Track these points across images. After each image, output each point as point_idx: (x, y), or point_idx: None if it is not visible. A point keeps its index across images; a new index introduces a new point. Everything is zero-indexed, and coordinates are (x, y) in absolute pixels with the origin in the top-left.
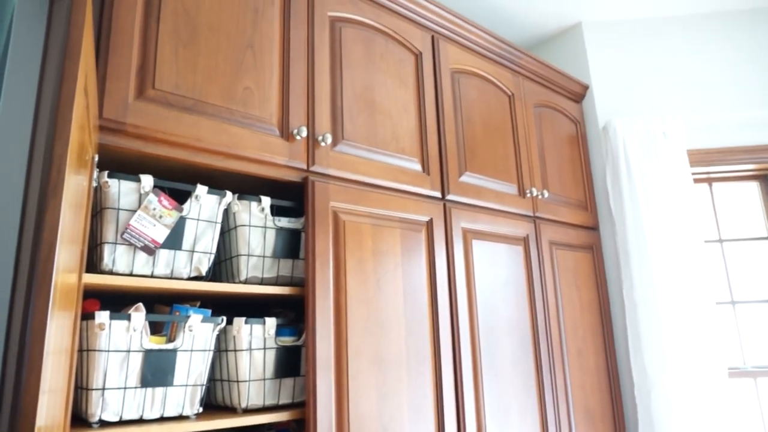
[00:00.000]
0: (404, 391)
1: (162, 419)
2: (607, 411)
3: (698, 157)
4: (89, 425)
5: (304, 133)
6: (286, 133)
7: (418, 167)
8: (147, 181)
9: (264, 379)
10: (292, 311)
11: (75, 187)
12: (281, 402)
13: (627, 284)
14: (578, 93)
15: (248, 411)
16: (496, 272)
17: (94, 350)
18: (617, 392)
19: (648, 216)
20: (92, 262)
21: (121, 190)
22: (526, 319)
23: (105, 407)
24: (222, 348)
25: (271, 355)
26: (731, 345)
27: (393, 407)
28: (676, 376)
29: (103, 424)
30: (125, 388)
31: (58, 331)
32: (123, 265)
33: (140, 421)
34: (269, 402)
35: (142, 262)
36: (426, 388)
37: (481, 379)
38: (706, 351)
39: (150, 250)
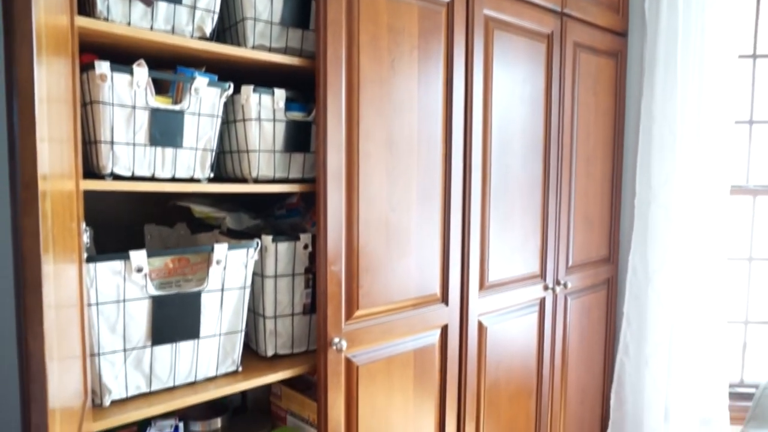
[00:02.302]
0: (414, 176)
1: (174, 180)
2: (606, 219)
3: None
4: (102, 178)
5: None
6: None
7: None
8: None
9: (274, 151)
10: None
11: None
12: (291, 176)
13: (647, 96)
14: None
15: (259, 181)
16: (515, 69)
17: (98, 102)
18: (618, 202)
19: (683, 25)
20: (84, 10)
21: None
22: (539, 121)
23: (116, 161)
24: (230, 119)
25: (280, 128)
26: (737, 163)
27: (402, 191)
28: (678, 190)
29: (116, 177)
30: (134, 144)
31: (52, 78)
32: (118, 14)
33: (152, 179)
34: (279, 175)
35: (139, 14)
36: (435, 175)
37: (489, 174)
38: (712, 168)
39: (148, 0)
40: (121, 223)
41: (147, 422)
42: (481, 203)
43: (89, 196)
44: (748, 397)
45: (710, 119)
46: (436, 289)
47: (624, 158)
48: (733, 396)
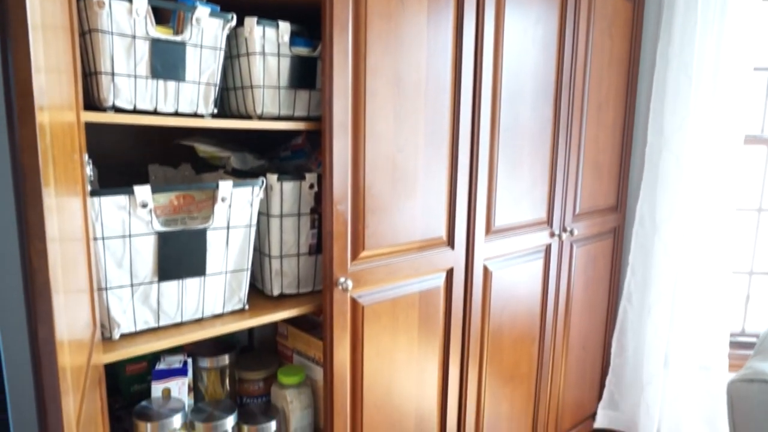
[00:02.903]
0: (421, 117)
1: (176, 114)
2: (615, 167)
3: None
4: (103, 110)
5: None
6: None
7: None
8: None
9: (278, 87)
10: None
11: None
12: (296, 114)
13: (664, 40)
14: None
15: (263, 118)
16: (528, 9)
17: (97, 30)
18: (628, 150)
19: None
20: None
21: None
22: (551, 65)
23: (117, 94)
24: (234, 53)
25: (285, 64)
26: (752, 112)
27: (409, 131)
28: (691, 138)
29: (117, 110)
30: (135, 76)
31: (46, 3)
32: None
33: (155, 113)
34: (284, 112)
35: None
36: (443, 116)
37: (498, 117)
38: (726, 116)
39: None
40: (126, 164)
41: (156, 358)
42: (490, 147)
43: (93, 138)
44: (748, 346)
45: (728, 66)
46: (442, 233)
47: (636, 105)
48: (734, 345)
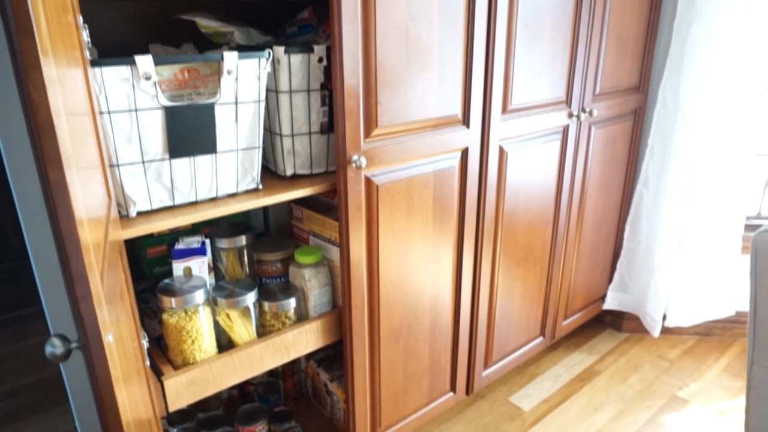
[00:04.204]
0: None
1: None
2: (640, 42)
3: None
4: None
5: None
6: None
7: None
8: None
9: None
10: None
11: None
12: None
13: None
14: None
15: None
16: None
17: None
18: (655, 23)
19: None
20: None
21: None
22: None
23: None
24: None
25: None
26: None
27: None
28: (725, 9)
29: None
30: None
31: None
32: None
33: None
34: None
35: None
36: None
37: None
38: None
39: None
40: (126, 44)
41: (176, 241)
42: (508, 15)
43: (90, 19)
44: None
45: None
46: (457, 111)
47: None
48: (749, 228)
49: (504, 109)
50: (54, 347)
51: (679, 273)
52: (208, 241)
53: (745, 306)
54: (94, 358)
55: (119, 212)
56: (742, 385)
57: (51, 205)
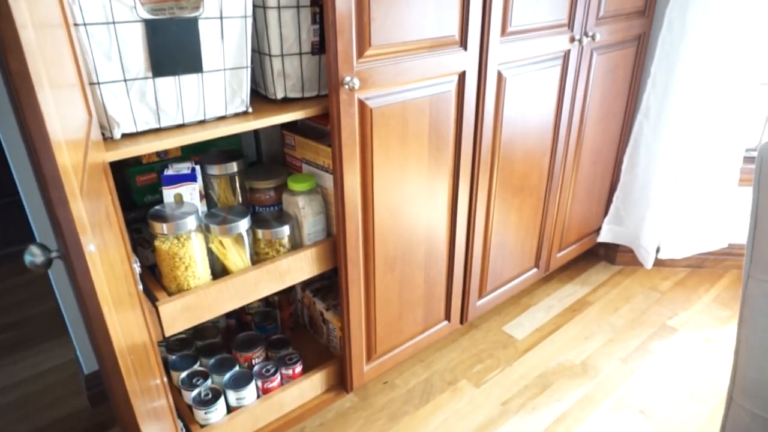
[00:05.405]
0: None
1: None
2: None
3: None
4: None
5: None
6: None
7: None
8: None
9: None
10: None
11: None
12: None
13: None
14: None
15: None
16: None
17: None
18: None
19: None
20: None
21: None
22: None
23: None
24: None
25: None
26: None
27: None
28: None
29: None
30: None
31: None
32: None
33: None
34: None
35: None
36: None
37: None
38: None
39: None
40: None
41: (165, 166)
42: None
43: None
44: None
45: None
46: (455, 32)
47: None
48: (747, 159)
49: (503, 31)
50: (33, 256)
51: (675, 205)
52: (198, 168)
53: (738, 238)
54: (75, 266)
55: (103, 134)
56: (731, 315)
57: (15, 97)
